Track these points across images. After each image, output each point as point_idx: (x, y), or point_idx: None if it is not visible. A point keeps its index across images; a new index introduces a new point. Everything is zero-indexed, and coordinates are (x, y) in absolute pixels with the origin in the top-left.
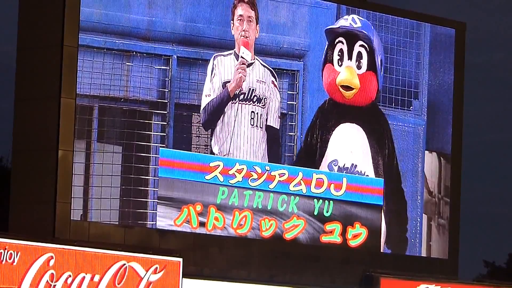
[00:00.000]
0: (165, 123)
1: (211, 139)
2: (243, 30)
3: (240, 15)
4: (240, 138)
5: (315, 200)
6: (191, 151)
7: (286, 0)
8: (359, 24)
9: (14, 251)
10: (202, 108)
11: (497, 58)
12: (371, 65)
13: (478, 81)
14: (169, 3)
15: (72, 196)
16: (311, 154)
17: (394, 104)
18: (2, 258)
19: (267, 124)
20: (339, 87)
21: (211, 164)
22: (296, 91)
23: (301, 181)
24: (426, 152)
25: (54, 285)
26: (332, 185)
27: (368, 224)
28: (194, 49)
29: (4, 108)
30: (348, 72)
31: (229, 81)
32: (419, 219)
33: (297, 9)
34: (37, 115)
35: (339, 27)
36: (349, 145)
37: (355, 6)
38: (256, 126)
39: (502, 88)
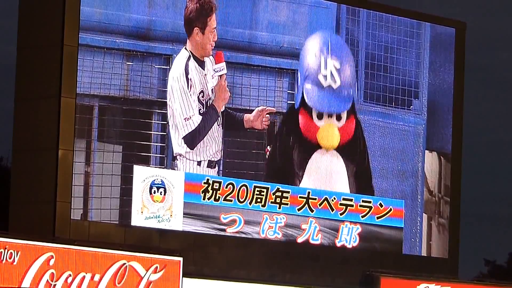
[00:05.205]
0: (165, 122)
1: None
2: (213, 41)
3: (214, 28)
4: (211, 139)
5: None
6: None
7: (286, 0)
8: (338, 83)
9: (14, 251)
10: (184, 135)
11: (500, 58)
12: (351, 110)
13: (480, 81)
14: (169, 2)
15: (72, 195)
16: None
17: (394, 104)
18: (2, 258)
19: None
20: (320, 143)
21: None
22: (295, 91)
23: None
24: (426, 151)
25: (54, 285)
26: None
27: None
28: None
29: (4, 108)
30: (328, 135)
31: (208, 96)
32: (419, 219)
33: (297, 9)
34: (37, 115)
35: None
36: (326, 172)
37: (355, 6)
38: (221, 125)
39: (503, 88)
